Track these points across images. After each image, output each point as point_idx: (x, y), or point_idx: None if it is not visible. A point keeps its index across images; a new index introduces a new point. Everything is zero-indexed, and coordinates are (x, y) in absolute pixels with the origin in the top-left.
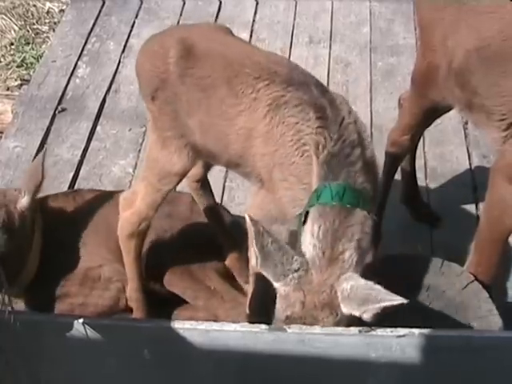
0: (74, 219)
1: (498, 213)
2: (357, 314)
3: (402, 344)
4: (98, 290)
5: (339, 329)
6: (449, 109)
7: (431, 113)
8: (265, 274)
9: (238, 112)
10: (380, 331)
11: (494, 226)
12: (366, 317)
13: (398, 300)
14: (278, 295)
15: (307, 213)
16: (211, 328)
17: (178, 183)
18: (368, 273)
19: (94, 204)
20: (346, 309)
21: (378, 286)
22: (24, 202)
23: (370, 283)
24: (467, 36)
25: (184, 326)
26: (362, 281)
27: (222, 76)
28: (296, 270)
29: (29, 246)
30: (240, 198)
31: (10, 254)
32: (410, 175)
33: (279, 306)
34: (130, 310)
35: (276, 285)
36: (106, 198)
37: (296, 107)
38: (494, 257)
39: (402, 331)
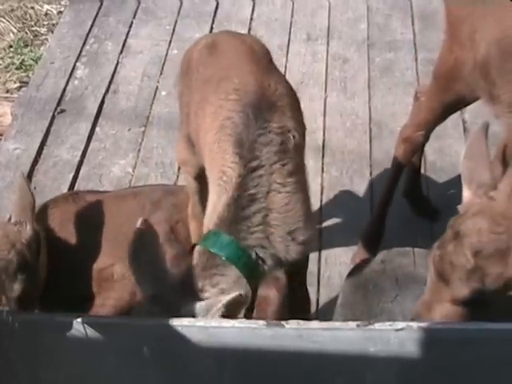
0: (76, 223)
1: None
2: None
3: (401, 337)
4: (112, 289)
5: (337, 323)
6: (469, 103)
7: (451, 107)
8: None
9: (209, 113)
10: (378, 325)
11: None
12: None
13: (227, 297)
14: None
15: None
16: (209, 325)
17: (194, 175)
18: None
19: (96, 204)
20: None
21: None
22: (28, 233)
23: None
24: (492, 29)
25: (182, 323)
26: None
27: (218, 74)
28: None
29: (37, 266)
30: None
31: (28, 286)
32: (415, 169)
33: None
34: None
35: None
36: (106, 196)
37: (229, 136)
38: None
39: (400, 325)
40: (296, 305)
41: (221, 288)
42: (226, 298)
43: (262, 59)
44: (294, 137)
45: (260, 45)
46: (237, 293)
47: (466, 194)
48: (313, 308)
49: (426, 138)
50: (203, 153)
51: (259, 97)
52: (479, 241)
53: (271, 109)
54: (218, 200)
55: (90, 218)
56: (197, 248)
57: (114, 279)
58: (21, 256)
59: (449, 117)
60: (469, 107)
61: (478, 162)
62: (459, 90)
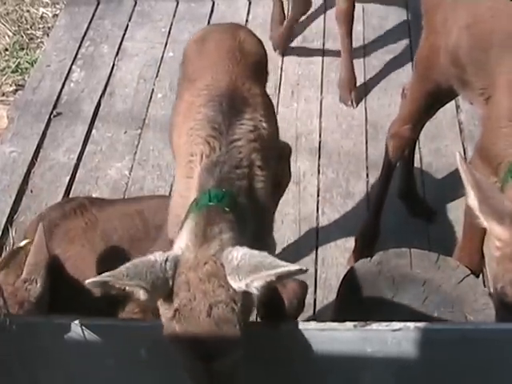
0: (85, 244)
1: None
2: (243, 284)
3: (398, 338)
4: None
5: (334, 324)
6: (450, 95)
7: (433, 97)
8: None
9: (182, 111)
10: (375, 325)
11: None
12: (256, 285)
13: (293, 267)
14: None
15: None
16: None
17: None
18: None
19: (104, 222)
20: (232, 281)
21: (272, 256)
22: (37, 291)
23: (264, 253)
24: (462, 14)
25: None
26: (255, 251)
27: (197, 73)
28: (167, 260)
29: None
30: None
31: None
32: (408, 170)
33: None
34: None
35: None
36: (112, 213)
37: (203, 121)
38: (474, 240)
39: (397, 325)
40: (270, 308)
41: (232, 236)
42: (282, 269)
43: (247, 57)
44: (264, 129)
45: (252, 42)
46: (300, 267)
47: (501, 230)
48: (310, 309)
49: (414, 132)
50: (176, 155)
51: (231, 91)
52: None
53: (244, 103)
54: (186, 184)
55: (99, 238)
56: (191, 215)
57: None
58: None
59: (435, 112)
60: (464, 108)
61: (492, 197)
62: (436, 79)
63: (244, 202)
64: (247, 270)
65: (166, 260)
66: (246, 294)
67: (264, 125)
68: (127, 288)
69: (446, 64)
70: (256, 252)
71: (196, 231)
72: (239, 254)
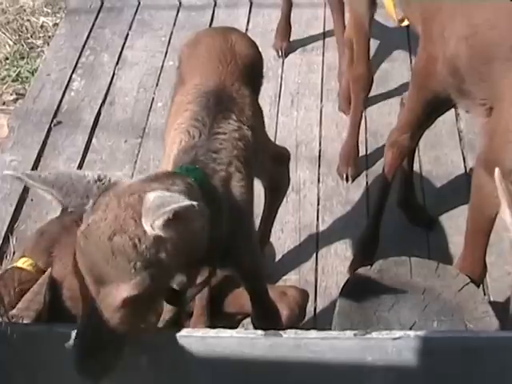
0: None
1: (477, 202)
2: (149, 226)
3: (398, 346)
4: None
5: (335, 333)
6: (448, 105)
7: (430, 106)
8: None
9: (172, 113)
10: (375, 334)
11: (474, 217)
12: (158, 225)
13: (186, 202)
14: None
15: None
16: (207, 335)
17: None
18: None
19: None
20: (144, 223)
21: (179, 196)
22: None
23: (175, 194)
24: (460, 24)
25: (180, 334)
26: (167, 193)
27: (188, 75)
28: (99, 180)
29: None
30: None
31: None
32: (407, 178)
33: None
34: None
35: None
36: None
37: (189, 119)
38: (477, 250)
39: (397, 334)
40: (264, 316)
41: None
42: (176, 205)
43: (237, 59)
44: (248, 131)
45: (245, 45)
46: (192, 203)
47: None
48: (310, 317)
49: (413, 141)
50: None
51: (219, 90)
52: None
53: (232, 102)
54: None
55: None
56: None
57: None
58: None
59: (433, 121)
60: (464, 116)
61: None
62: (434, 88)
63: (219, 187)
64: (152, 210)
65: (99, 180)
66: (158, 245)
67: (249, 126)
68: (39, 191)
69: (443, 74)
70: (167, 193)
71: (151, 176)
72: (152, 195)
